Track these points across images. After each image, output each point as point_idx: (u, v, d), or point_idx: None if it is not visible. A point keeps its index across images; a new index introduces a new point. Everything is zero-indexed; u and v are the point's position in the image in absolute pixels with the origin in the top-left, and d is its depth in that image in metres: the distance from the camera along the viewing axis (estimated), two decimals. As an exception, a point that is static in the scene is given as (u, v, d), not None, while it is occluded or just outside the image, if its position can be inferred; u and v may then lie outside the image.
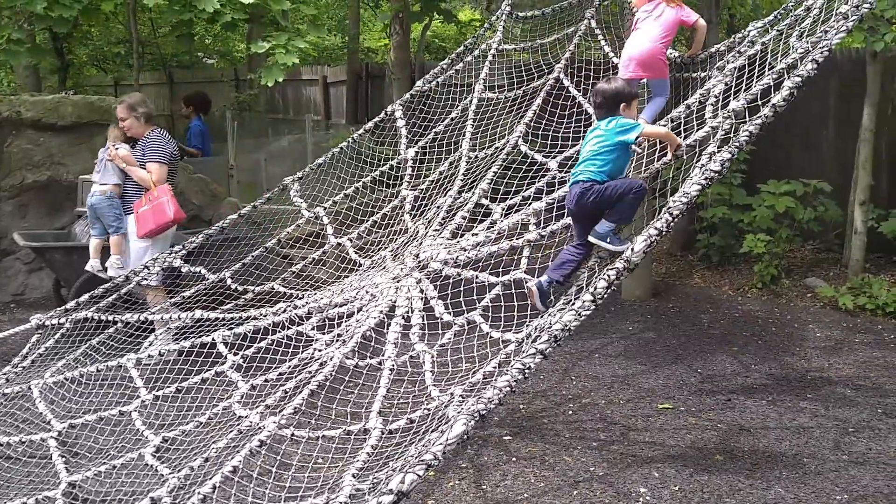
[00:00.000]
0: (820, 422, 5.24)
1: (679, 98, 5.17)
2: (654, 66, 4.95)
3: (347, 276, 5.05)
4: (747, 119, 3.90)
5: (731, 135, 3.89)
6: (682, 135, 4.19)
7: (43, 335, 5.16)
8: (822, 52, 3.87)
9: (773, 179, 8.58)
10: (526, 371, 2.96)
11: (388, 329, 4.06)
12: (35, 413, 4.52)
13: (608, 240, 3.80)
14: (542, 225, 4.39)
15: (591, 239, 3.85)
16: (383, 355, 3.96)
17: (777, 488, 4.36)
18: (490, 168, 5.13)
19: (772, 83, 4.05)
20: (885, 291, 7.55)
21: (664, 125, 4.37)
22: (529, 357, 3.00)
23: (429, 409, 3.46)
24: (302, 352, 4.26)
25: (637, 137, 3.91)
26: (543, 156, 5.19)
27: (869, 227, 8.21)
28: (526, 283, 3.95)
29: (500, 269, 4.23)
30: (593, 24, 5.88)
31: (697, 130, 4.17)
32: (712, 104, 4.35)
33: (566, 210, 4.15)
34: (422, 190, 5.35)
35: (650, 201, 4.34)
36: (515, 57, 6.28)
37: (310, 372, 4.00)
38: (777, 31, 4.81)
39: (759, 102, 3.95)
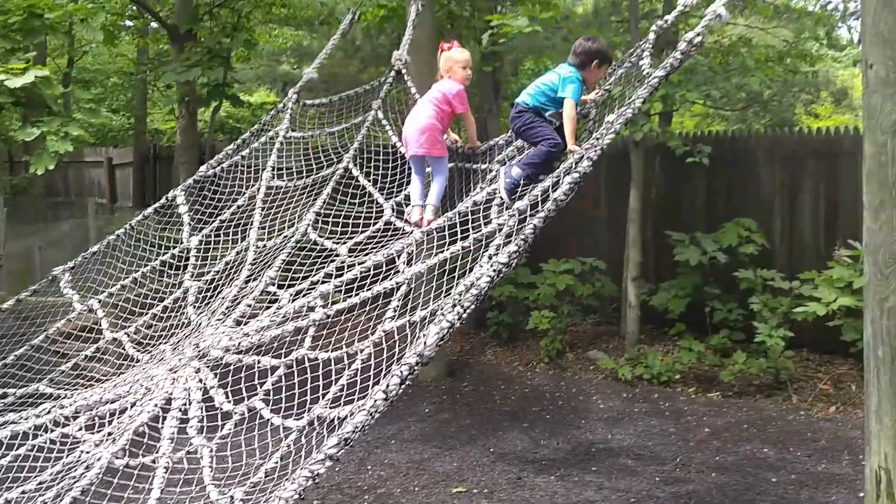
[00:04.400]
0: (605, 494, 5.48)
1: (464, 188, 5.36)
2: (430, 142, 4.93)
3: (123, 373, 4.72)
4: (528, 214, 4.08)
5: (515, 229, 4.06)
6: (470, 231, 4.32)
7: None
8: (595, 151, 4.16)
9: (553, 259, 9.11)
10: (315, 478, 2.86)
11: (163, 424, 3.81)
12: None
13: (506, 183, 4.39)
14: (328, 305, 4.33)
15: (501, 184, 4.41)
16: (158, 452, 3.69)
17: (564, 563, 4.49)
18: (278, 256, 5.04)
19: (550, 184, 4.26)
20: (658, 361, 8.14)
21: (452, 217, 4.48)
22: (318, 463, 2.90)
23: (207, 513, 3.25)
24: (67, 455, 3.89)
25: (569, 98, 4.48)
26: (333, 242, 5.18)
27: (641, 300, 8.87)
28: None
29: (283, 351, 4.13)
30: (380, 114, 6.02)
31: (485, 226, 4.30)
32: (497, 205, 4.54)
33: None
34: (206, 280, 5.14)
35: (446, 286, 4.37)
36: (304, 144, 6.28)
37: (74, 477, 3.65)
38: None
39: (540, 199, 4.14)
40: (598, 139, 4.27)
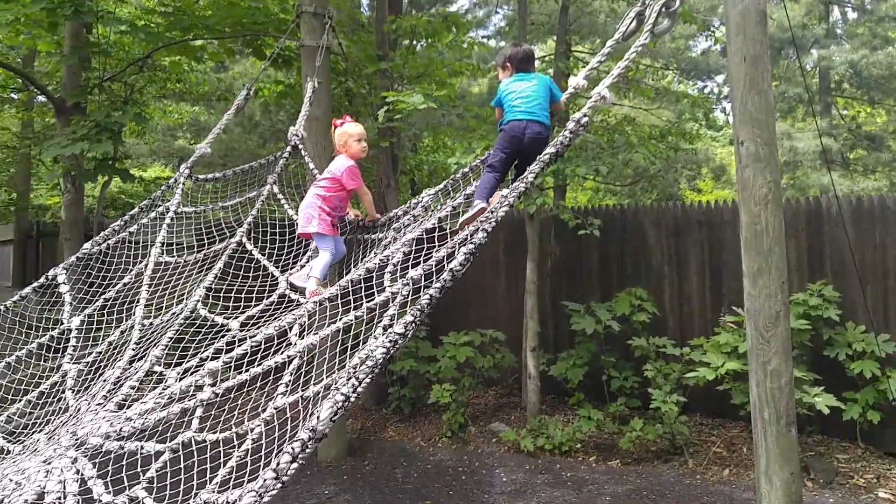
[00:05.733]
0: (507, 568, 5.40)
1: (361, 258, 5.34)
2: (306, 220, 5.01)
3: (-7, 467, 4.36)
4: (422, 284, 4.07)
5: (409, 298, 4.04)
6: (363, 300, 4.26)
7: None
8: (490, 223, 4.21)
9: (453, 331, 9.12)
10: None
11: (34, 523, 3.52)
12: None
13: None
14: (217, 383, 4.16)
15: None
16: (28, 556, 3.40)
17: None
18: (165, 334, 4.85)
19: (445, 255, 4.27)
20: (559, 431, 8.17)
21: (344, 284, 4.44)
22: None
23: None
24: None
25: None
26: (224, 317, 5.03)
27: (541, 371, 8.94)
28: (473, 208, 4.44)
29: (169, 434, 3.92)
30: (275, 188, 5.98)
31: (379, 295, 4.27)
32: (390, 272, 4.52)
33: (516, 140, 4.52)
34: (87, 363, 4.88)
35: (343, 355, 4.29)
36: (197, 218, 6.16)
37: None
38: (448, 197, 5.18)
39: (434, 270, 4.14)
40: (492, 212, 4.34)
